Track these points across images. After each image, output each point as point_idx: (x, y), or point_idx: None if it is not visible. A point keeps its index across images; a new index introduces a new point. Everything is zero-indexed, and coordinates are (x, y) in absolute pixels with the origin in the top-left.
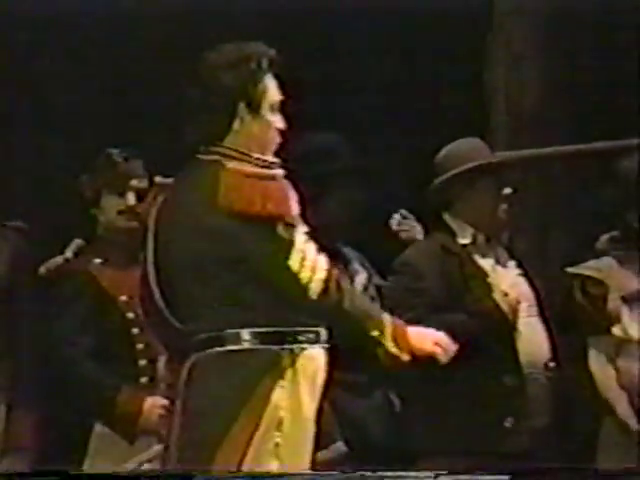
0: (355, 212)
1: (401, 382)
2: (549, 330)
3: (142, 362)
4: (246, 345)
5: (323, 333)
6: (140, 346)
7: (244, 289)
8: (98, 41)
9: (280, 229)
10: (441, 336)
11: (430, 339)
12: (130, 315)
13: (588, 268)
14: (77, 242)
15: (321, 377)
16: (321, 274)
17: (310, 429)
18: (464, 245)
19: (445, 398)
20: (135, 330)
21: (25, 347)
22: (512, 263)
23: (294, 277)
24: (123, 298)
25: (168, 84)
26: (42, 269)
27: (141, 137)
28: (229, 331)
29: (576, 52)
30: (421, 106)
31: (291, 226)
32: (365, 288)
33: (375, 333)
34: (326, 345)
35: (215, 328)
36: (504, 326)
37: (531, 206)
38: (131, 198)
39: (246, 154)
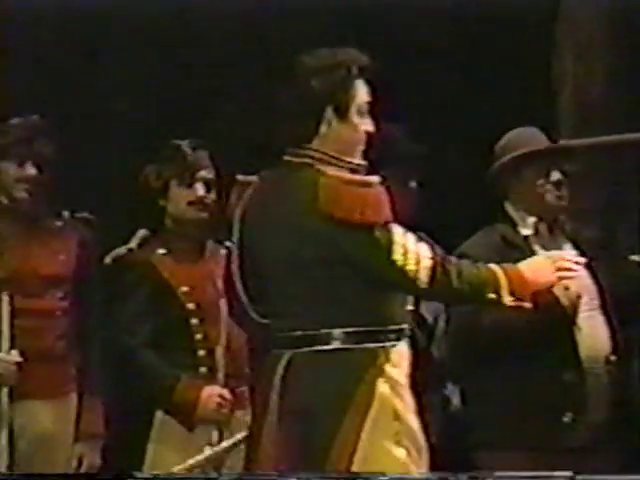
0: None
1: (462, 377)
2: (610, 323)
3: (201, 352)
4: (337, 344)
5: (407, 329)
6: (199, 336)
7: (338, 290)
8: (178, 36)
9: (377, 232)
10: (560, 256)
11: (549, 268)
12: (190, 306)
13: None
14: (142, 233)
15: (407, 371)
16: (426, 262)
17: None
18: (525, 237)
19: (505, 393)
20: (194, 320)
21: (92, 336)
22: (574, 253)
23: (401, 271)
24: (184, 289)
25: (249, 82)
26: (107, 259)
27: (212, 133)
28: (323, 330)
29: None
30: (489, 97)
31: (387, 226)
32: None
33: (492, 296)
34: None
35: (308, 326)
36: (564, 321)
37: (595, 194)
38: (200, 189)
39: (335, 157)
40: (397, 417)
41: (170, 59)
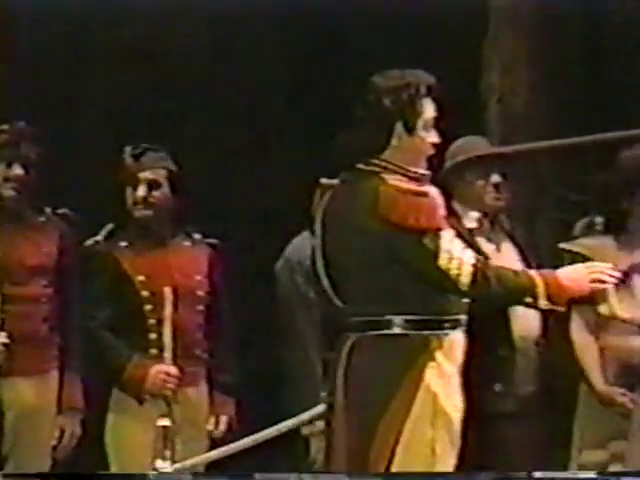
0: None
1: None
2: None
3: (152, 335)
4: (397, 330)
5: (463, 319)
6: (151, 321)
7: (398, 283)
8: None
9: (427, 238)
10: (596, 267)
11: (585, 278)
12: (145, 293)
13: (578, 245)
14: (109, 227)
15: (461, 359)
16: (468, 268)
17: (457, 419)
18: (470, 229)
19: None
20: (148, 307)
21: (71, 320)
22: (511, 247)
23: (445, 274)
24: (140, 278)
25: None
26: (79, 250)
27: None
28: (386, 317)
29: (561, 57)
30: None
31: (437, 234)
32: None
33: (529, 300)
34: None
35: (372, 313)
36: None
37: (523, 194)
38: (141, 190)
39: (402, 167)
40: (436, 403)
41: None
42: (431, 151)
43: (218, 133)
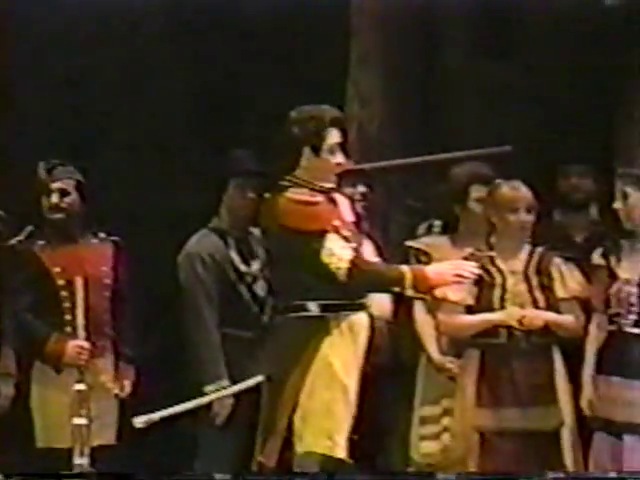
0: None
1: None
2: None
3: (67, 317)
4: (307, 313)
5: (368, 303)
6: (66, 305)
7: (304, 275)
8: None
9: (313, 240)
10: (460, 265)
11: (449, 272)
12: (60, 282)
13: (420, 242)
14: (28, 228)
15: (364, 336)
16: (345, 263)
17: (353, 388)
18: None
19: None
20: (63, 293)
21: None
22: (370, 245)
23: (327, 267)
24: (56, 270)
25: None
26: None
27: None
28: (301, 302)
29: (408, 92)
30: None
31: (322, 235)
32: None
33: (397, 289)
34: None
35: (290, 299)
36: None
37: (378, 202)
38: (54, 197)
39: (310, 182)
40: (332, 372)
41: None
42: (337, 169)
43: (126, 141)
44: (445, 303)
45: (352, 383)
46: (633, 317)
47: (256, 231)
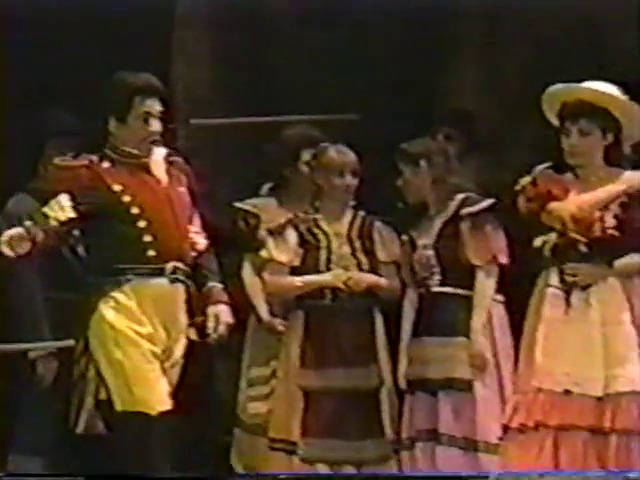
0: None
1: None
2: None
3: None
4: (118, 277)
5: (168, 268)
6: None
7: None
8: None
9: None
10: None
11: None
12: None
13: (248, 204)
14: None
15: (162, 299)
16: (60, 213)
17: (144, 342)
18: None
19: None
20: None
21: None
22: None
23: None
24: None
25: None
26: None
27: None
28: (107, 264)
29: (239, 56)
30: None
31: (54, 194)
32: None
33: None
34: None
35: (101, 262)
36: None
37: (206, 161)
38: None
39: (117, 148)
40: (113, 327)
41: None
42: (149, 137)
43: None
44: (271, 263)
45: (145, 343)
46: (437, 277)
47: None
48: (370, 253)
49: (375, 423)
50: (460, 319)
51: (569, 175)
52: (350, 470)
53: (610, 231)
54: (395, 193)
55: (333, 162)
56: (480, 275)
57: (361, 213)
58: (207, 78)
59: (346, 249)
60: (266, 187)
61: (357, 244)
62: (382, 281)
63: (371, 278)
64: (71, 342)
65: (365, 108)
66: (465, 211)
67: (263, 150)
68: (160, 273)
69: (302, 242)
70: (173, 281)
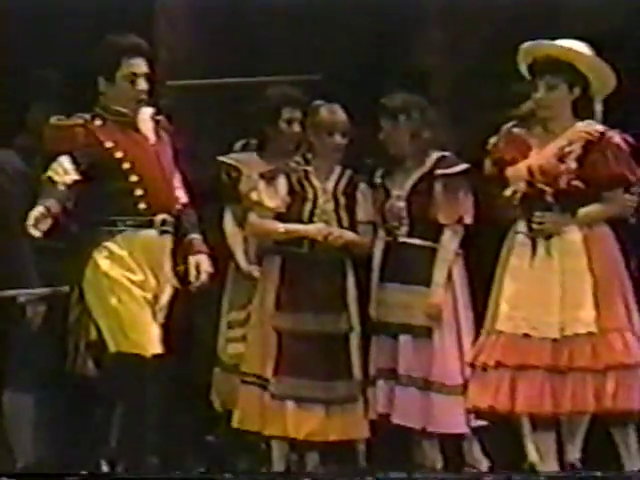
0: None
1: None
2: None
3: None
4: (110, 228)
5: (157, 220)
6: None
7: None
8: None
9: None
10: None
11: None
12: None
13: (231, 158)
14: None
15: (151, 249)
16: (61, 177)
17: (136, 289)
18: None
19: None
20: None
21: None
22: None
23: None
24: None
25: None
26: None
27: None
28: (99, 216)
29: (219, 20)
30: None
31: (58, 155)
32: None
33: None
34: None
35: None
36: None
37: (187, 120)
38: None
39: (108, 107)
40: (107, 275)
41: None
42: (137, 96)
43: None
44: (259, 207)
45: (137, 290)
46: (405, 229)
47: None
48: (351, 211)
49: (344, 365)
50: (423, 269)
51: (539, 128)
52: (319, 408)
53: (575, 182)
54: (364, 148)
55: (324, 121)
56: (446, 233)
57: (348, 172)
58: (187, 41)
59: (330, 205)
60: (239, 144)
61: (341, 201)
62: (358, 239)
63: (349, 236)
64: (66, 288)
65: (329, 69)
66: (440, 172)
67: (244, 109)
68: (150, 225)
69: (291, 191)
70: (162, 232)
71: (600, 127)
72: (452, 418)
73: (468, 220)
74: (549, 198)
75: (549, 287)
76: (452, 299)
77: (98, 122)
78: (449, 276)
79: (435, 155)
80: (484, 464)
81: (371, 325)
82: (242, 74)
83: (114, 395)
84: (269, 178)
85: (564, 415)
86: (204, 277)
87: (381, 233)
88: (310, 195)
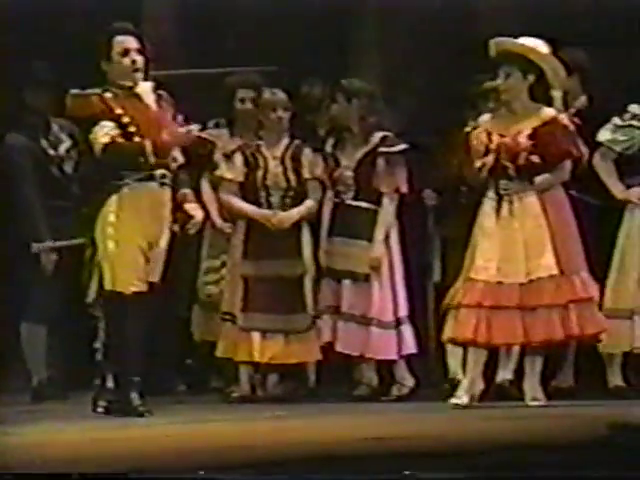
0: None
1: None
2: None
3: None
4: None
5: (158, 174)
6: None
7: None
8: None
9: (86, 123)
10: (186, 127)
11: (179, 131)
12: None
13: (207, 133)
14: None
15: (156, 203)
16: (103, 139)
17: (138, 239)
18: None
19: None
20: None
21: None
22: None
23: (93, 143)
24: None
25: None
26: None
27: None
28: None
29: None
30: None
31: (93, 120)
32: None
33: (142, 159)
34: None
35: (100, 174)
36: None
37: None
38: None
39: (114, 82)
40: (113, 225)
41: None
42: (133, 68)
43: None
44: (224, 182)
45: (139, 238)
46: (351, 193)
47: (57, 122)
48: (298, 173)
49: (299, 302)
50: (364, 227)
51: (503, 110)
52: (279, 337)
53: (531, 157)
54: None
55: (267, 101)
56: (385, 199)
57: (296, 142)
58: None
59: (279, 169)
60: (211, 122)
61: (288, 165)
62: (304, 210)
63: (294, 217)
64: (82, 240)
65: (284, 61)
66: (383, 149)
67: (213, 94)
68: (152, 178)
69: (246, 163)
70: (162, 185)
71: (552, 111)
72: (386, 348)
73: (403, 189)
74: (511, 171)
75: (514, 241)
76: (389, 254)
77: (108, 94)
78: (387, 237)
79: (379, 135)
80: (410, 382)
81: (320, 271)
82: (212, 66)
83: (107, 327)
84: (228, 156)
85: (536, 344)
86: (199, 219)
87: (330, 194)
88: (262, 163)
